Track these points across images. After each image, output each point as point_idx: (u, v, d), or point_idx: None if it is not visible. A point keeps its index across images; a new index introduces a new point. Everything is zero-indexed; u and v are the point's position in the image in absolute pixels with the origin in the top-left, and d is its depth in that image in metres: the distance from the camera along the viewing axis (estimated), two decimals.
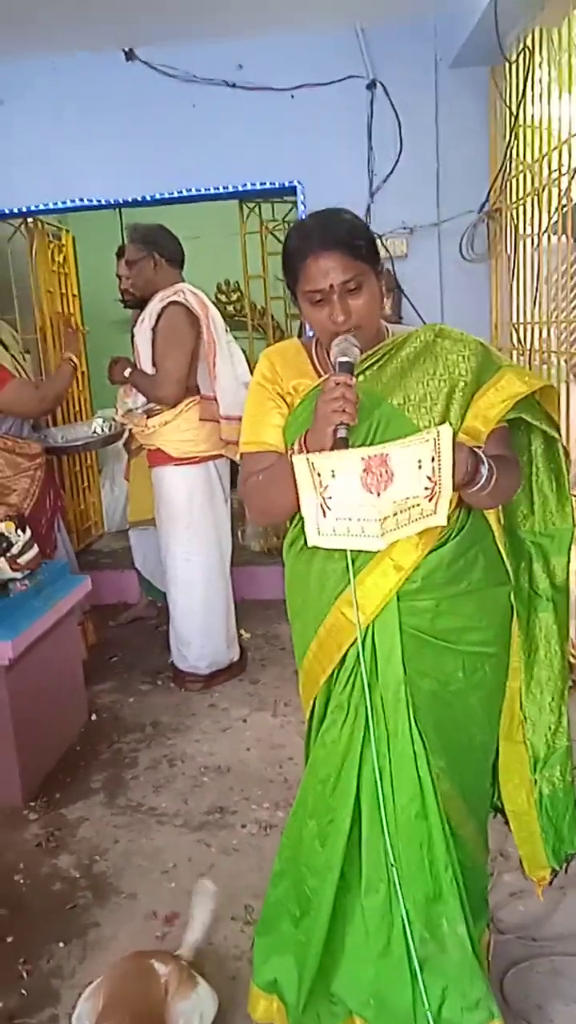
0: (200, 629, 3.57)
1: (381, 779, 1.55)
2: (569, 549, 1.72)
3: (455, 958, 1.57)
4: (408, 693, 1.55)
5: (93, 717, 3.41)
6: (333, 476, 1.43)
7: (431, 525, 1.46)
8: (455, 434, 1.46)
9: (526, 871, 1.83)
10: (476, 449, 1.48)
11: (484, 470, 1.47)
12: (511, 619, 1.68)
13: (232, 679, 3.66)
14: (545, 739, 1.74)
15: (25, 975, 2.06)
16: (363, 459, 1.41)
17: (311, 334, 1.66)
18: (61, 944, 2.17)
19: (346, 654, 1.59)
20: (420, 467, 1.40)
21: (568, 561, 1.72)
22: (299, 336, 4.51)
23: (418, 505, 1.43)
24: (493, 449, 1.54)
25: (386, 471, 1.40)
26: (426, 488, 1.41)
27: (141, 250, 3.41)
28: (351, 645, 1.57)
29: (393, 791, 1.56)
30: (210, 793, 2.82)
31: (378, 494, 1.41)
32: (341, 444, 1.41)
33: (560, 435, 1.64)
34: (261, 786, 2.81)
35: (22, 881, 2.43)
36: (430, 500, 1.42)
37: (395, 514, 1.43)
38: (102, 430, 4.09)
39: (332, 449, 1.42)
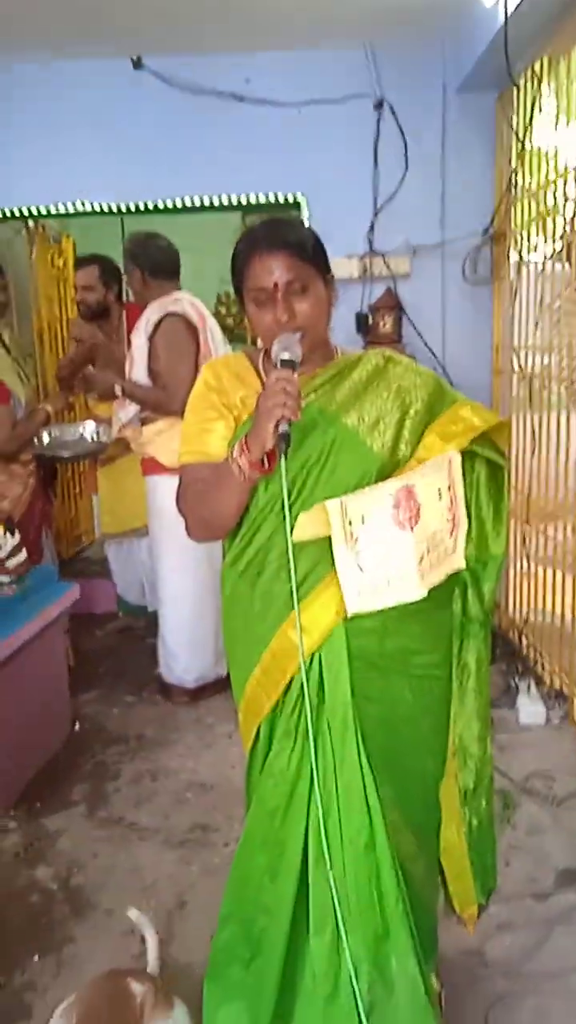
0: (189, 642, 3.53)
1: (327, 810, 1.49)
2: (499, 574, 1.70)
3: (404, 1001, 1.50)
4: (356, 719, 1.51)
5: (77, 727, 3.37)
6: (363, 522, 1.38)
7: (453, 568, 1.44)
8: (407, 461, 1.47)
9: (457, 909, 1.80)
10: None
11: None
12: (451, 644, 1.66)
13: (219, 694, 3.61)
14: (475, 770, 1.73)
15: None
16: (390, 494, 1.38)
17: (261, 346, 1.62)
18: (36, 958, 2.13)
19: (291, 679, 1.54)
20: (440, 497, 1.39)
21: (495, 587, 1.71)
22: None
23: (443, 542, 1.41)
24: None
25: (414, 503, 1.37)
26: (448, 520, 1.40)
27: (129, 265, 3.40)
28: (297, 669, 1.52)
29: (341, 822, 1.50)
30: (193, 810, 2.78)
31: (411, 529, 1.38)
32: (282, 440, 1.35)
33: (506, 464, 1.65)
34: (244, 805, 2.77)
35: None
36: (451, 535, 1.40)
37: (428, 552, 1.40)
38: (93, 438, 4.06)
39: (274, 446, 1.36)
